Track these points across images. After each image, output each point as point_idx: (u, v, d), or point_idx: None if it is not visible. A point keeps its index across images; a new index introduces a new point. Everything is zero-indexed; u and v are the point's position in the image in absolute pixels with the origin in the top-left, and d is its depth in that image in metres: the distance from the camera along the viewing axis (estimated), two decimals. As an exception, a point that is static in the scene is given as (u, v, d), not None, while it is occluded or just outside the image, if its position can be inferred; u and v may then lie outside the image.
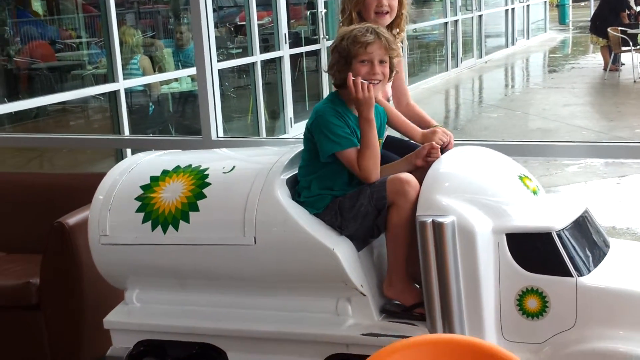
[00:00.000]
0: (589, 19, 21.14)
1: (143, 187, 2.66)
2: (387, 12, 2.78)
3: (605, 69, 12.66)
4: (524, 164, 2.58)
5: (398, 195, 2.35)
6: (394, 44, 2.47)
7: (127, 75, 6.53)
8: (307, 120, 2.53)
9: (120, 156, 5.47)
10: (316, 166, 2.47)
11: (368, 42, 2.39)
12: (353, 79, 2.38)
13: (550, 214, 2.35)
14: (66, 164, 6.66)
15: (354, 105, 2.43)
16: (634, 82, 11.56)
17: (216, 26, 8.87)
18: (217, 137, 3.72)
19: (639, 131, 8.31)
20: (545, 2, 21.08)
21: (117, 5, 6.28)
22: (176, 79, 7.67)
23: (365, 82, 2.38)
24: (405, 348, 1.71)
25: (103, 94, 6.46)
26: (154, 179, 2.67)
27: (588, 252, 2.33)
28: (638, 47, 11.94)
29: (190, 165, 2.67)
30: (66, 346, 3.10)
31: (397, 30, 2.86)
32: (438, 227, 2.22)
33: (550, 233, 2.25)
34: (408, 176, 2.38)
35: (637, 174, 6.70)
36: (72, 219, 3.03)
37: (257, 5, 8.07)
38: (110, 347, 2.73)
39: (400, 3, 2.84)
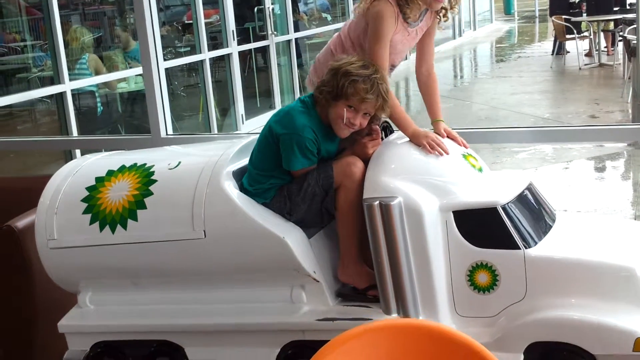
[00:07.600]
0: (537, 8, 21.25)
1: (89, 189, 2.62)
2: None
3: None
4: (474, 152, 2.60)
5: (345, 177, 2.38)
6: (387, 104, 2.41)
7: (75, 76, 6.45)
8: (270, 118, 2.48)
9: (69, 158, 5.39)
10: (269, 165, 2.46)
11: (366, 99, 2.36)
12: (364, 141, 2.46)
13: (495, 190, 2.39)
14: (15, 168, 6.54)
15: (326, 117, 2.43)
16: (579, 69, 11.79)
17: (163, 25, 8.81)
18: (167, 134, 3.70)
19: (585, 117, 8.48)
20: (491, -7, 21.39)
21: (61, 7, 6.20)
22: (124, 79, 7.59)
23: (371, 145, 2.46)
24: (360, 335, 1.71)
25: (50, 97, 6.35)
26: (99, 180, 2.63)
27: (534, 224, 2.36)
28: (582, 34, 12.18)
29: (135, 164, 2.64)
30: (20, 352, 3.04)
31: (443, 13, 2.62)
32: (385, 209, 2.24)
33: (496, 207, 2.28)
34: (353, 158, 2.41)
35: (583, 158, 6.86)
36: (21, 222, 2.96)
37: (204, 4, 8.02)
38: (66, 350, 2.69)
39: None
